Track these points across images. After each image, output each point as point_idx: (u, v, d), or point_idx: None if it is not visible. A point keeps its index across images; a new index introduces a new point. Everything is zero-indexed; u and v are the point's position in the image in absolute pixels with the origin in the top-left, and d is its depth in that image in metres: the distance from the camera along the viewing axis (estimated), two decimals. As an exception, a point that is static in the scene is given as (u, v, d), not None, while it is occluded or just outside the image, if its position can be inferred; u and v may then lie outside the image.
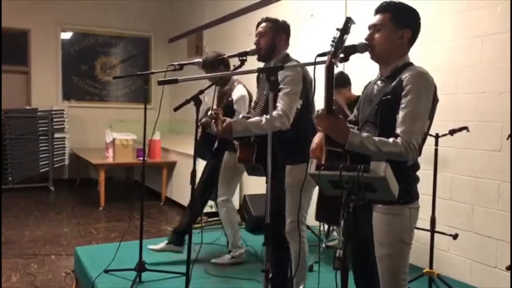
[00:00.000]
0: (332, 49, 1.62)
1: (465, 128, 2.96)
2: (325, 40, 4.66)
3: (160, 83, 1.89)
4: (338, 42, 1.61)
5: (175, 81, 1.85)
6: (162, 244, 3.75)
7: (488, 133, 3.16)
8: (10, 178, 6.99)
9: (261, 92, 2.79)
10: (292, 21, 2.84)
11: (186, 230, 3.64)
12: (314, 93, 2.66)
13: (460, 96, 3.33)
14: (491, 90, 3.17)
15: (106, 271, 3.28)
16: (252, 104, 3.02)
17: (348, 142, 1.66)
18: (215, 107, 3.08)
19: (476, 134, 3.15)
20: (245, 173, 5.35)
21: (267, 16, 2.83)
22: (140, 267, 3.19)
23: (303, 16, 4.89)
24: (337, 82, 3.36)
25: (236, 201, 5.47)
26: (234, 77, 3.70)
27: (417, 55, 1.95)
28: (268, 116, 2.48)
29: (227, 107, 3.51)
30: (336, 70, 1.74)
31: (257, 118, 2.59)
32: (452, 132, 2.97)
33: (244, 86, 3.66)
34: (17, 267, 3.90)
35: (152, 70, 3.14)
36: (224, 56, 3.30)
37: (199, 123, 3.72)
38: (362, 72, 3.75)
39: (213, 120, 2.57)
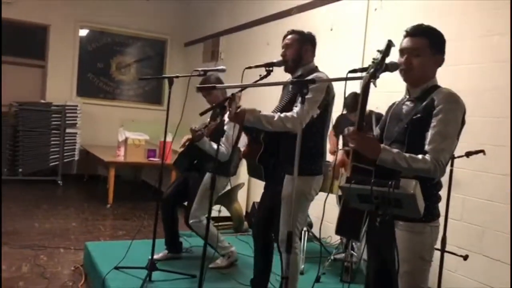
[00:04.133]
0: (372, 69, 1.68)
1: (482, 151, 3.00)
2: (344, 54, 4.74)
3: (199, 89, 1.94)
4: (378, 64, 1.67)
5: (213, 88, 1.90)
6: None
7: (501, 157, 3.20)
8: (20, 170, 7.06)
9: (283, 95, 2.85)
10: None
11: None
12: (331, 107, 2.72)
13: (477, 119, 3.38)
14: (506, 115, 3.22)
15: (117, 268, 3.32)
16: None
17: (380, 158, 1.72)
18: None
19: (489, 157, 3.18)
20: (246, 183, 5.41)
21: (287, 27, 2.89)
22: (151, 266, 3.22)
23: (323, 30, 4.95)
24: (353, 106, 3.42)
25: (243, 207, 5.53)
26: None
27: (437, 76, 2.02)
28: (282, 114, 2.55)
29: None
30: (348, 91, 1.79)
31: (270, 113, 2.60)
32: (468, 154, 3.01)
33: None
34: (27, 258, 3.95)
35: (177, 74, 3.18)
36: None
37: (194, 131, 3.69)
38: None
39: (228, 100, 2.51)
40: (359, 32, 4.53)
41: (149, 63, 8.84)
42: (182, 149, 3.77)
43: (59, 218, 5.42)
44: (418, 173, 1.72)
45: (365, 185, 1.57)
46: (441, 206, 2.53)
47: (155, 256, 3.39)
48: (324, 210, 1.92)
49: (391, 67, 1.89)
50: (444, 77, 2.16)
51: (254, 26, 6.44)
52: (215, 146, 3.33)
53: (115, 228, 5.24)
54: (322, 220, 1.93)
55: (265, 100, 3.94)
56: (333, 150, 3.97)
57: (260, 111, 2.56)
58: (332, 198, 3.95)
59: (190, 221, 3.63)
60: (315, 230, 4.50)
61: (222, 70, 3.45)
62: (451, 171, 3.05)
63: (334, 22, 4.93)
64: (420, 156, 1.77)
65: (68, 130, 7.42)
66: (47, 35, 7.94)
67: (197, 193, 3.63)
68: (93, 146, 7.54)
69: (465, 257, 3.08)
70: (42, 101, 7.65)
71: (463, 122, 1.90)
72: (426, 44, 1.92)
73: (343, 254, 3.73)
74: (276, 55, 2.90)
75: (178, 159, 3.80)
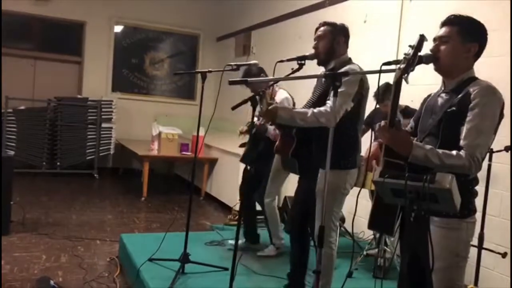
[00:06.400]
0: (403, 65, 1.64)
1: (517, 146, 2.90)
2: (378, 46, 4.66)
3: (231, 83, 1.96)
4: (411, 59, 1.63)
5: (245, 82, 1.91)
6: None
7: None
8: (58, 163, 7.29)
9: (315, 89, 2.82)
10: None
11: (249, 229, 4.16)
12: (366, 101, 2.68)
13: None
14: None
15: (151, 260, 3.39)
16: None
17: (412, 155, 1.68)
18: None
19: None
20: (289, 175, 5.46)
21: (320, 20, 2.85)
22: (184, 258, 3.27)
23: (356, 21, 4.88)
24: (383, 96, 3.35)
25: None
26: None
27: (476, 66, 1.95)
28: (315, 110, 2.52)
29: None
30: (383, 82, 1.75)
31: (303, 109, 2.58)
32: (507, 148, 2.91)
33: (285, 90, 3.80)
34: (65, 249, 4.08)
35: (209, 69, 3.20)
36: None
37: (252, 127, 3.80)
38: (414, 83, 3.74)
39: (259, 97, 2.48)
40: (394, 24, 4.44)
41: (182, 58, 8.94)
42: (243, 142, 4.07)
43: (95, 210, 5.57)
44: (452, 169, 1.67)
45: (399, 179, 1.54)
46: (479, 202, 2.48)
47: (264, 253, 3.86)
48: (356, 205, 1.90)
49: (426, 59, 1.84)
50: (483, 68, 2.10)
51: (286, 20, 6.41)
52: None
53: (149, 221, 5.34)
54: (354, 215, 1.91)
55: (298, 94, 3.93)
56: None
57: (292, 108, 2.55)
58: (364, 193, 3.91)
59: (266, 200, 3.91)
60: (347, 225, 4.46)
61: (254, 65, 3.47)
62: (489, 165, 2.97)
63: (368, 14, 4.84)
64: (454, 152, 1.72)
65: (103, 125, 7.60)
66: (83, 32, 8.14)
67: (270, 174, 3.87)
68: (128, 140, 7.70)
69: (504, 255, 3.00)
70: (79, 96, 7.86)
71: (501, 116, 1.82)
72: (455, 31, 1.86)
73: (376, 250, 3.69)
74: (308, 49, 2.88)
75: (245, 155, 4.06)
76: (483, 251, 3.06)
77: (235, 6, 8.05)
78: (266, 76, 3.75)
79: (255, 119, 3.75)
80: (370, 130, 4.02)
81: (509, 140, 3.01)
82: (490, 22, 2.04)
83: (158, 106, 8.50)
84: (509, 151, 2.94)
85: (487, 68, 2.20)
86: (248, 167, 3.81)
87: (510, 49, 2.91)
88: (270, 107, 2.48)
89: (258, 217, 4.42)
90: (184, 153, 6.55)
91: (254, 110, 2.71)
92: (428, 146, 1.74)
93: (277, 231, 3.99)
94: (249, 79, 1.96)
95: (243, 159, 4.09)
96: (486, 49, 1.95)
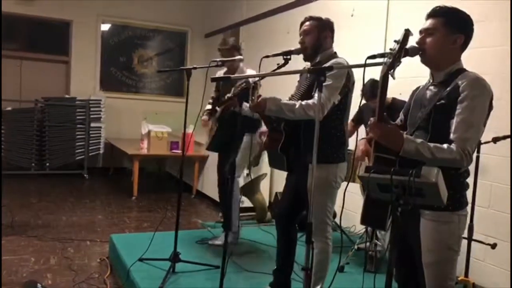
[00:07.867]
0: (389, 60, 1.63)
1: (509, 136, 2.90)
2: (365, 40, 4.64)
3: (213, 80, 1.93)
4: (396, 54, 1.61)
5: (228, 79, 1.88)
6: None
7: (532, 142, 3.08)
8: (47, 164, 7.22)
9: (301, 82, 2.81)
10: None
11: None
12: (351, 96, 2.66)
13: (504, 104, 3.26)
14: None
15: (141, 260, 3.36)
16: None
17: (403, 149, 1.66)
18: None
19: (518, 142, 3.07)
20: (269, 173, 5.41)
21: (308, 14, 2.82)
22: (175, 257, 3.25)
23: (343, 16, 4.86)
24: (372, 92, 3.34)
25: (266, 197, 5.52)
26: (242, 63, 3.73)
27: (462, 59, 1.94)
28: (303, 102, 2.51)
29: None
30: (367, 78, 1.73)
31: (291, 101, 2.58)
32: (495, 139, 2.91)
33: (253, 70, 3.67)
34: (55, 250, 4.04)
35: (194, 66, 3.17)
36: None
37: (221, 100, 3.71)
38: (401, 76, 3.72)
39: (251, 88, 2.54)
40: (381, 18, 4.42)
41: (171, 56, 8.88)
42: (207, 127, 3.96)
43: (86, 211, 5.52)
44: (443, 163, 1.66)
45: (385, 174, 1.52)
46: (468, 193, 2.48)
47: (216, 242, 3.82)
48: (344, 199, 1.88)
49: (411, 52, 1.83)
50: (471, 59, 2.09)
51: (274, 15, 6.37)
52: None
53: (140, 220, 5.30)
54: (342, 209, 1.89)
55: (283, 89, 3.90)
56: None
57: (280, 99, 2.54)
58: (355, 188, 3.90)
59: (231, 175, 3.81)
60: (338, 219, 4.45)
61: (240, 60, 3.44)
62: (478, 157, 2.97)
63: (355, 8, 4.83)
64: (445, 146, 1.71)
65: (92, 124, 7.52)
66: (69, 31, 8.03)
67: (239, 152, 3.77)
68: (117, 140, 7.63)
69: (493, 246, 3.01)
70: (67, 96, 7.78)
71: (490, 108, 1.82)
72: (441, 23, 1.85)
73: (368, 244, 3.68)
74: (296, 44, 2.86)
75: (210, 144, 3.97)
76: (473, 243, 3.06)
77: (223, 2, 8.00)
78: (239, 54, 3.65)
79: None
80: (359, 127, 4.00)
81: (496, 131, 3.01)
82: (475, 14, 2.03)
83: (148, 104, 8.43)
84: (497, 142, 2.94)
85: (471, 59, 2.19)
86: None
87: (510, 41, 2.89)
88: (259, 100, 2.49)
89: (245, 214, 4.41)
90: (174, 151, 6.51)
91: (241, 104, 2.69)
92: (419, 140, 1.73)
93: (235, 217, 3.85)
94: (232, 75, 1.93)
95: (209, 147, 4.03)
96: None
